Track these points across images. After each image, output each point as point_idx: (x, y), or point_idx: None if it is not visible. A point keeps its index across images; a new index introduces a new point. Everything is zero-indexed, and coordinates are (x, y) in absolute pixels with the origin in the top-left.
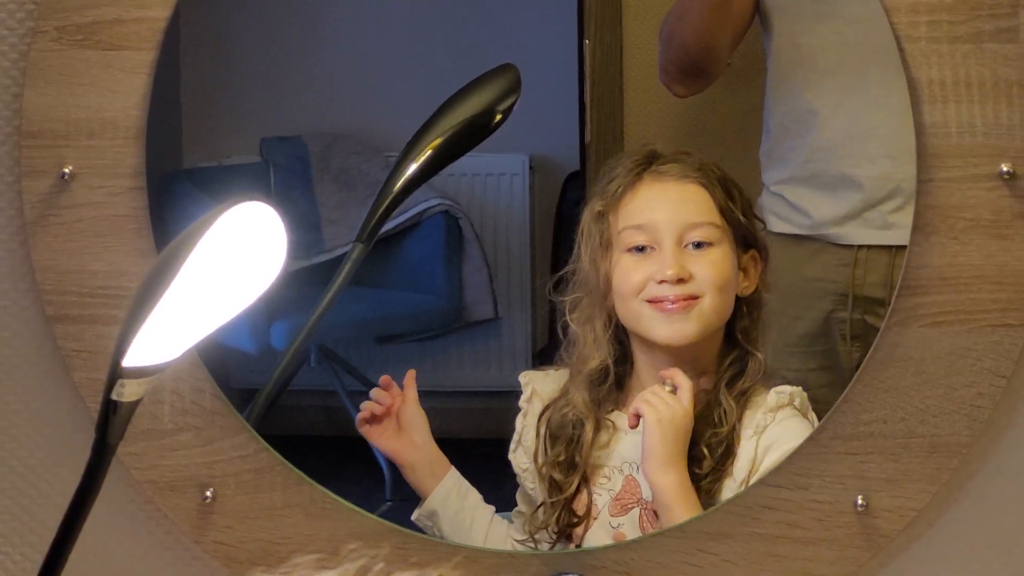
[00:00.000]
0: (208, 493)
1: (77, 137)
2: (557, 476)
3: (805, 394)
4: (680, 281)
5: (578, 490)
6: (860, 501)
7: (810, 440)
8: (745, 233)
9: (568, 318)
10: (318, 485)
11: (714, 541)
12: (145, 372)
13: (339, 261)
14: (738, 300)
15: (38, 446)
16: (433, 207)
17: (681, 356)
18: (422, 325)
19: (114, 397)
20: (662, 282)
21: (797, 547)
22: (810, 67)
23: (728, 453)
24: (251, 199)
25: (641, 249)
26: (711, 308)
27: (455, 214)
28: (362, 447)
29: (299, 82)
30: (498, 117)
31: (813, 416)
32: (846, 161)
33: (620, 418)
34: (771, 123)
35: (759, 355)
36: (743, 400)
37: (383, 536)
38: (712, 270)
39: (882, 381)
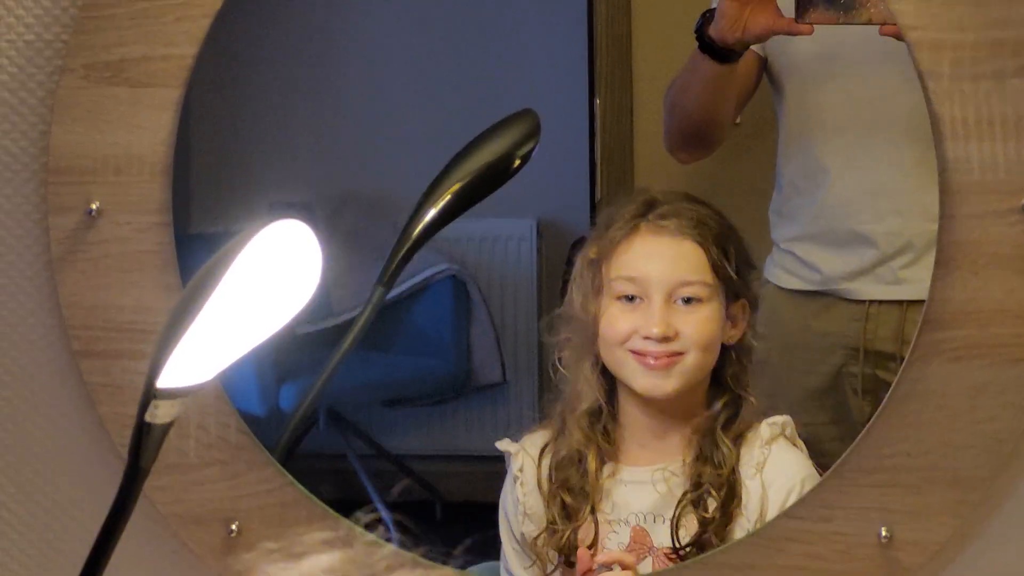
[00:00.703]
0: (233, 527)
1: (104, 173)
2: (568, 500)
3: (792, 423)
4: (665, 339)
5: (582, 514)
6: (884, 533)
7: (833, 473)
8: (737, 286)
9: (558, 358)
10: (344, 519)
11: (738, 573)
12: (179, 393)
13: (347, 325)
14: (726, 347)
15: (63, 480)
16: (441, 271)
17: (664, 404)
18: (430, 389)
19: (148, 419)
20: (647, 337)
21: None
22: (820, 125)
23: (732, 494)
24: None
25: (631, 299)
26: (693, 365)
27: (462, 278)
28: (371, 510)
29: (308, 147)
30: (517, 162)
31: (801, 444)
32: (857, 218)
33: (616, 470)
34: (782, 181)
35: (752, 399)
36: (739, 442)
37: (408, 567)
38: (698, 329)
39: (904, 415)
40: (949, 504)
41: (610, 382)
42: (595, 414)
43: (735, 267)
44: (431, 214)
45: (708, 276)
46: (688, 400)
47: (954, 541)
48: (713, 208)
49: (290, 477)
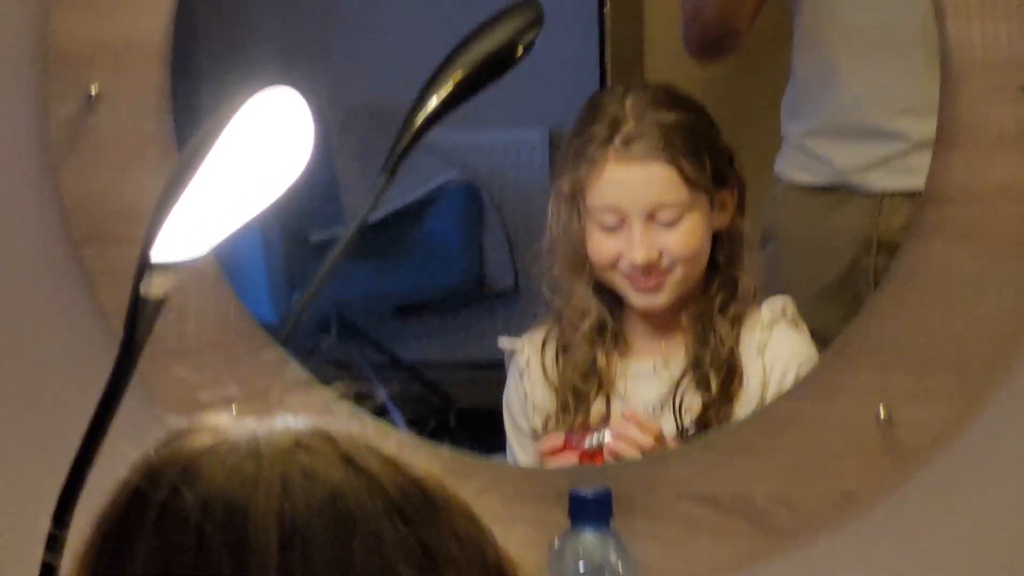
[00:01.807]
0: (233, 408)
1: (103, 59)
2: (579, 384)
3: (793, 304)
4: (649, 265)
5: (595, 400)
6: (883, 414)
7: (833, 354)
8: (717, 183)
9: (547, 279)
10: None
11: (739, 455)
12: (173, 267)
13: (358, 233)
14: (717, 233)
15: (62, 368)
16: (452, 180)
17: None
18: (442, 297)
19: (142, 292)
20: (633, 264)
21: (821, 460)
22: (835, 22)
23: (732, 375)
24: None
25: (612, 227)
26: (683, 276)
27: (474, 186)
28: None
29: (320, 55)
30: (520, 51)
31: (803, 324)
32: (869, 112)
33: (625, 362)
34: (795, 77)
35: (747, 278)
36: (737, 324)
37: (413, 450)
38: (682, 244)
39: (906, 294)
40: (950, 385)
41: (608, 292)
42: (599, 327)
43: (712, 171)
44: (433, 103)
45: (684, 194)
46: (692, 296)
47: (955, 421)
48: (683, 104)
49: (292, 360)
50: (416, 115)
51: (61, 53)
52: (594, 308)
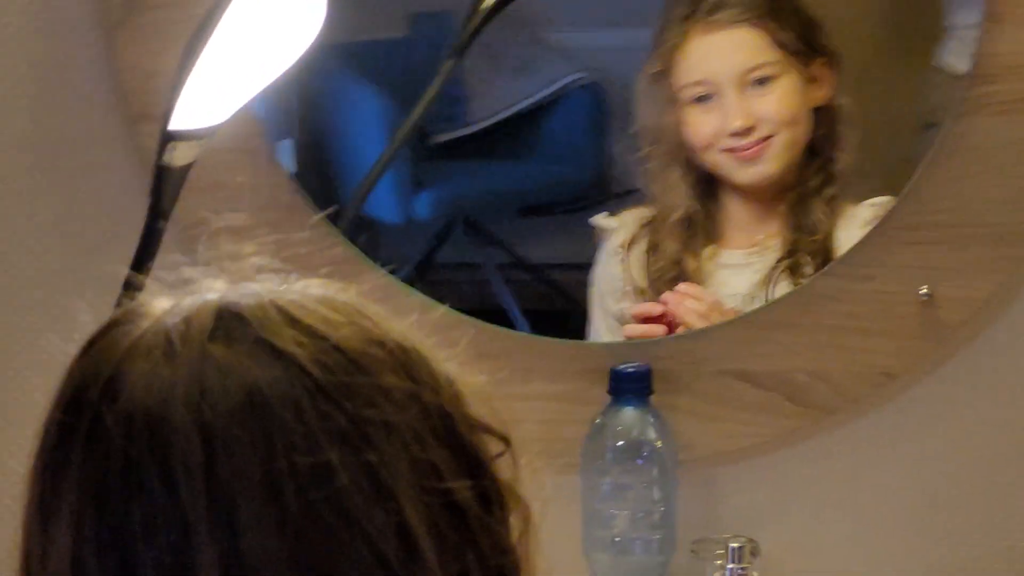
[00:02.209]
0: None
1: None
2: (672, 274)
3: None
4: (748, 130)
5: None
6: (924, 291)
7: (874, 230)
8: (808, 49)
9: (643, 172)
10: (392, 276)
11: (778, 331)
12: (195, 135)
13: (482, 135)
14: (818, 110)
15: (117, 244)
16: (578, 80)
17: (764, 185)
18: (568, 197)
19: (165, 162)
20: (732, 134)
21: (860, 338)
22: None
23: (827, 260)
24: (399, 71)
25: (705, 99)
26: (786, 142)
27: (600, 87)
28: (505, 318)
29: None
30: None
31: None
32: None
33: (717, 253)
34: None
35: (844, 157)
36: (834, 207)
37: (456, 327)
38: (778, 107)
39: (948, 171)
40: (991, 260)
41: (704, 182)
42: (688, 220)
43: (799, 32)
44: None
45: (772, 54)
46: (785, 174)
47: (996, 297)
48: None
49: (341, 236)
50: None
51: None
52: (687, 198)
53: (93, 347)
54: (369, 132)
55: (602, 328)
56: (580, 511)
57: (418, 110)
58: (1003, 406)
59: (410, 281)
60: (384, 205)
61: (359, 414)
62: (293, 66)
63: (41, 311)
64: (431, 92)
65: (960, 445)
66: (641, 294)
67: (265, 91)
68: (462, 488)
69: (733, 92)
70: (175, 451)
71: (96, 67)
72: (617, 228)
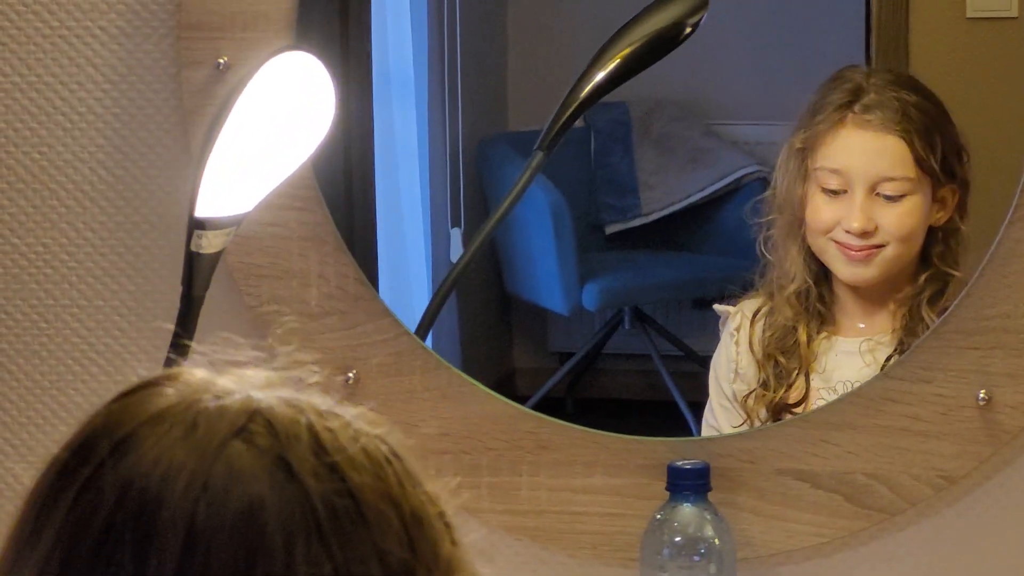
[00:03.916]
0: (350, 375)
1: (232, 29)
2: (782, 360)
3: None
4: (865, 233)
5: (796, 377)
6: (983, 395)
7: (933, 334)
8: (944, 175)
9: (765, 238)
10: (455, 369)
11: (838, 431)
12: (222, 224)
13: (655, 225)
14: (934, 228)
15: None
16: (751, 173)
17: (869, 286)
18: (738, 290)
19: (193, 249)
20: (848, 231)
21: (919, 440)
22: None
23: None
24: (572, 163)
25: (834, 192)
26: (894, 255)
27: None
28: (676, 411)
29: None
30: (688, 30)
31: None
32: None
33: (830, 339)
34: None
35: (958, 274)
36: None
37: (518, 420)
38: (899, 223)
39: (1005, 276)
40: None
41: (819, 263)
42: (804, 293)
43: (941, 157)
44: (599, 77)
45: (911, 171)
46: (895, 279)
47: None
48: (923, 91)
49: (405, 327)
50: (580, 88)
51: (193, 23)
52: (802, 273)
53: (122, 400)
54: (539, 222)
55: (716, 407)
56: None
57: (505, 205)
58: None
59: (579, 370)
60: (551, 295)
61: (347, 568)
62: (463, 153)
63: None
64: (519, 186)
65: (1020, 550)
66: (755, 366)
67: (432, 179)
68: None
69: (862, 192)
70: (157, 538)
71: (174, 152)
72: (734, 313)
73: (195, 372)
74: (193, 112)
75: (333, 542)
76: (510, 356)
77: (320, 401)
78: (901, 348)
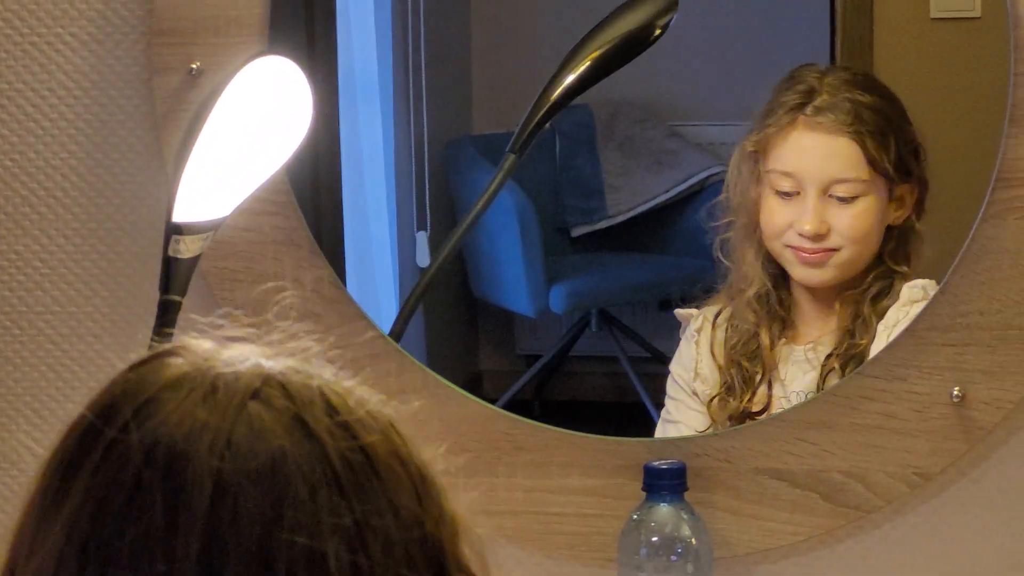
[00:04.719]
0: None
1: (204, 35)
2: (746, 364)
3: (935, 286)
4: (818, 236)
5: (759, 384)
6: (956, 392)
7: (907, 331)
8: (899, 174)
9: (722, 242)
10: (430, 371)
11: (814, 430)
12: (199, 228)
13: (621, 227)
14: (891, 226)
15: None
16: (716, 174)
17: (826, 288)
18: (704, 290)
19: (171, 254)
20: (801, 234)
21: (895, 438)
22: None
23: (861, 361)
24: (538, 166)
25: (787, 194)
26: (849, 258)
27: None
28: (643, 412)
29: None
30: (657, 32)
31: None
32: None
33: (788, 346)
34: None
35: (905, 270)
36: (884, 315)
37: (494, 421)
38: (852, 225)
39: (978, 273)
40: (1022, 362)
41: (777, 265)
42: (764, 297)
43: (895, 157)
44: (569, 80)
45: (864, 172)
46: (852, 280)
47: None
48: (879, 90)
49: (380, 330)
50: (551, 91)
51: (164, 28)
52: (760, 277)
53: (139, 367)
54: (505, 226)
55: (672, 405)
56: None
57: (477, 208)
58: None
59: (546, 373)
60: (519, 298)
61: (366, 520)
62: (428, 156)
63: None
64: (491, 189)
65: (995, 547)
66: (717, 371)
67: (398, 182)
68: None
69: (814, 195)
70: (185, 491)
71: (146, 158)
72: (697, 315)
73: (202, 343)
74: (166, 118)
75: (352, 495)
76: (477, 359)
77: (321, 368)
78: (837, 348)
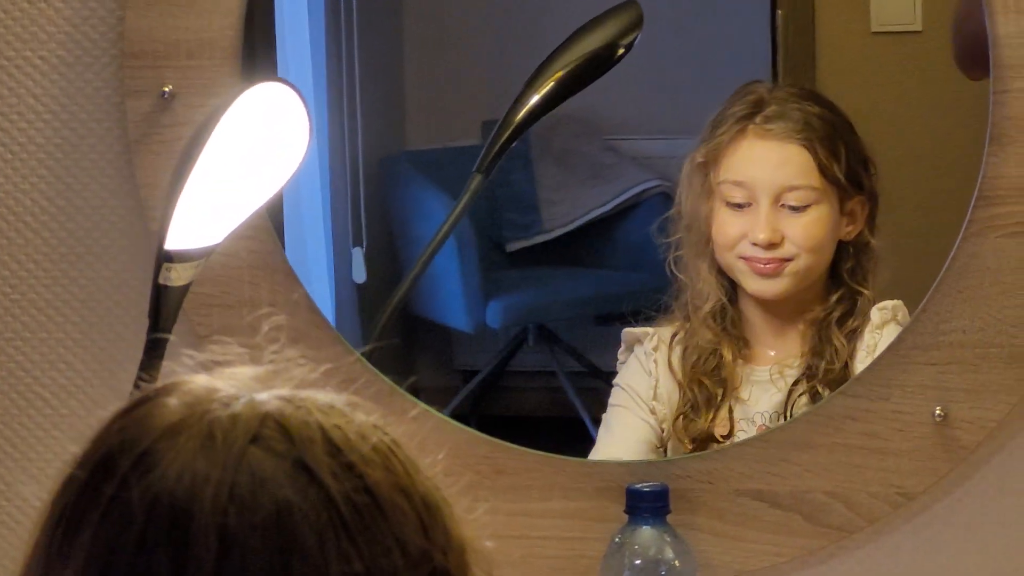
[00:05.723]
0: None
1: (176, 57)
2: (708, 383)
3: (904, 307)
4: (771, 245)
5: (721, 403)
6: (938, 412)
7: (890, 350)
8: (850, 185)
9: (674, 258)
10: (408, 395)
11: (797, 451)
12: (191, 256)
13: (557, 242)
14: (843, 242)
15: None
16: (652, 187)
17: (779, 302)
18: (642, 305)
19: (161, 281)
20: (755, 243)
21: (877, 458)
22: None
23: (838, 384)
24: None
25: (739, 205)
26: (803, 268)
27: (673, 194)
28: (581, 427)
29: (522, 64)
30: (620, 51)
31: None
32: None
33: (746, 366)
34: None
35: (867, 293)
36: (853, 338)
37: (474, 445)
38: (805, 233)
39: (960, 291)
40: (1006, 381)
41: (730, 280)
42: (720, 313)
43: (845, 167)
44: (533, 100)
45: (815, 179)
46: (804, 296)
47: (1011, 419)
48: (826, 104)
49: (357, 353)
50: (515, 112)
51: (136, 51)
52: (715, 292)
53: (129, 414)
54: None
55: (624, 415)
56: None
57: (445, 227)
58: (1019, 528)
59: (484, 388)
60: (456, 313)
61: (375, 562)
62: (363, 173)
63: (66, 426)
64: (458, 209)
65: (978, 566)
66: (677, 390)
67: (333, 198)
68: None
69: (767, 204)
70: (191, 548)
71: (117, 182)
72: (652, 334)
73: (194, 379)
74: (137, 142)
75: (359, 538)
76: (414, 374)
77: (316, 394)
78: (808, 372)
